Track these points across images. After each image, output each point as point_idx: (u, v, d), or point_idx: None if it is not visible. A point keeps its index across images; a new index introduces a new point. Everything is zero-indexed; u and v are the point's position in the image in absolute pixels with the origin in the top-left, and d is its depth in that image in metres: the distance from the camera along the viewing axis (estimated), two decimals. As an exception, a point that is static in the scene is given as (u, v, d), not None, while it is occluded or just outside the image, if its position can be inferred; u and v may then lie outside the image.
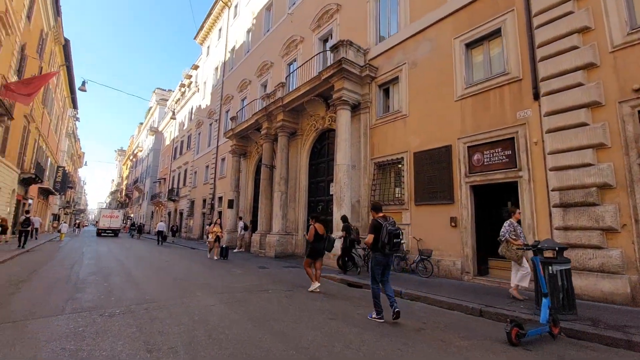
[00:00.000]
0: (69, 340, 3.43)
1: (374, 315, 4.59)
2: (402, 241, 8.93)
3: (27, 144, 19.63)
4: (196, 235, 25.41)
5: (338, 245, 9.71)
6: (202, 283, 7.15)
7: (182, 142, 33.92)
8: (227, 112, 22.72)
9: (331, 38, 13.68)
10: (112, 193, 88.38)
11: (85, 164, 60.94)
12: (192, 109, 32.25)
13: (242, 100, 20.51)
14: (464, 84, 8.33)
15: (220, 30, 27.16)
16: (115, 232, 29.60)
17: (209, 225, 21.17)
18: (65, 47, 25.48)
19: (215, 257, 11.82)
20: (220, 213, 20.82)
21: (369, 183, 10.48)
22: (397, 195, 9.71)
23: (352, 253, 8.91)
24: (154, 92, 52.98)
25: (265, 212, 14.76)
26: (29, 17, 15.64)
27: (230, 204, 17.97)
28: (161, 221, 25.00)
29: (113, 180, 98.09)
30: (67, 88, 31.73)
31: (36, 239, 19.74)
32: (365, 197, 10.52)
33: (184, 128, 33.83)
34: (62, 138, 35.97)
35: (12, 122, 15.35)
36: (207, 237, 12.52)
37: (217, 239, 12.36)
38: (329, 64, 11.23)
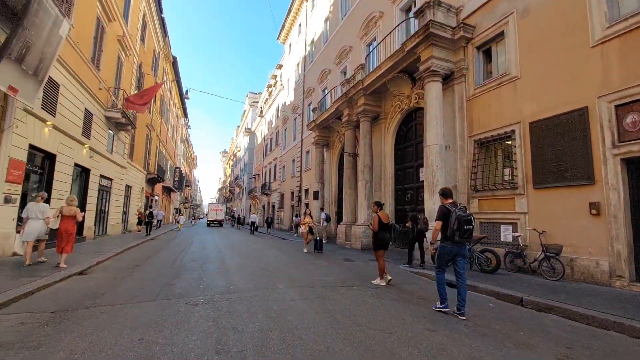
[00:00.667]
0: (150, 329, 3.39)
1: (438, 305, 4.36)
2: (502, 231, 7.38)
3: (149, 149, 23.32)
4: (286, 226, 26.63)
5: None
6: (286, 274, 6.95)
7: (271, 139, 36.01)
8: (309, 105, 22.90)
9: (414, 5, 12.14)
10: (219, 190, 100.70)
11: (197, 165, 70.73)
12: (278, 106, 33.85)
13: (323, 90, 20.30)
14: (605, 22, 6.13)
15: (299, 25, 27.57)
16: (220, 223, 35.47)
17: (296, 217, 21.82)
18: (174, 63, 29.45)
19: (305, 250, 11.52)
20: (307, 205, 21.20)
21: (468, 165, 8.88)
22: (506, 178, 7.93)
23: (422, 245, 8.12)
24: (247, 95, 57.77)
25: (350, 203, 14.21)
26: (142, 39, 18.28)
27: (316, 196, 18.01)
28: (253, 214, 27.44)
29: (220, 178, 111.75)
30: (179, 100, 36.95)
31: (157, 228, 23.28)
32: (464, 181, 8.96)
33: (272, 126, 35.81)
34: (177, 143, 42.23)
35: (136, 131, 18.27)
36: (297, 228, 11.99)
37: (310, 230, 11.57)
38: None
